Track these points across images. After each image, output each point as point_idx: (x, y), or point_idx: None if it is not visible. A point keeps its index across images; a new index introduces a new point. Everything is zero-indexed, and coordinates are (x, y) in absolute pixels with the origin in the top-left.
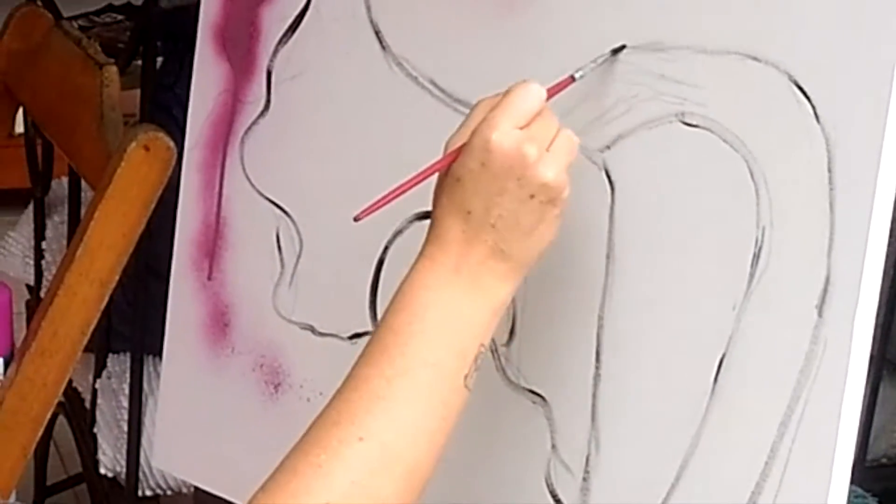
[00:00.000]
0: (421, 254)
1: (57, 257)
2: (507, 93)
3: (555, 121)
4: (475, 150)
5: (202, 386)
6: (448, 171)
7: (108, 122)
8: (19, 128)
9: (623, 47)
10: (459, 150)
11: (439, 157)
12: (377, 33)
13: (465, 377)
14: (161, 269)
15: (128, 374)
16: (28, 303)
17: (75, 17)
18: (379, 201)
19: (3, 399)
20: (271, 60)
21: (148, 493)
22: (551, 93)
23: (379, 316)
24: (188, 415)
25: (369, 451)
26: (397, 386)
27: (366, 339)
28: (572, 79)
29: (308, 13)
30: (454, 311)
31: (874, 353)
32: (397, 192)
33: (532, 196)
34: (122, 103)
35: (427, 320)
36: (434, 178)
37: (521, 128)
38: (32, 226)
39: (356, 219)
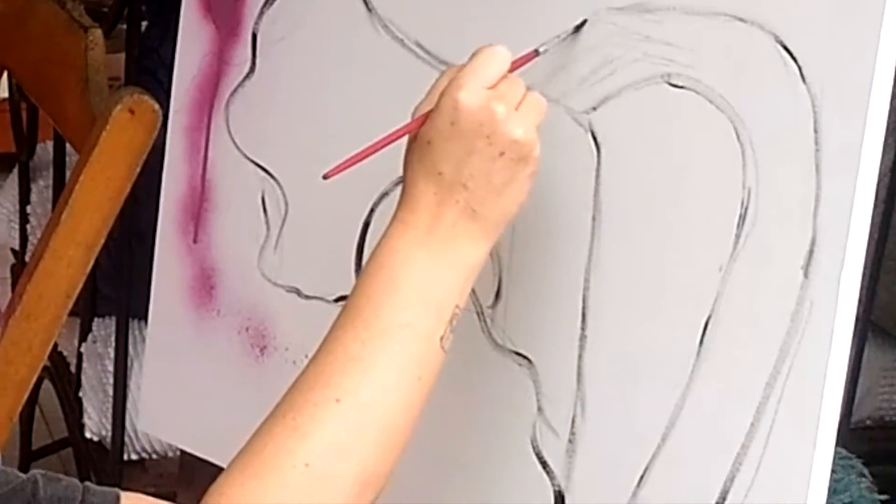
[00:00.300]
0: (393, 218)
1: (42, 221)
2: (473, 56)
3: (521, 83)
4: (444, 110)
5: (188, 349)
6: (417, 135)
7: (93, 85)
8: (3, 92)
9: (584, 22)
10: (428, 114)
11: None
12: None
13: (441, 338)
14: (146, 232)
15: (113, 338)
16: (13, 267)
17: None
18: (348, 160)
19: None
20: (257, 23)
21: (133, 456)
22: (515, 65)
23: None
24: (174, 378)
25: (346, 412)
26: (372, 347)
27: None
28: (536, 53)
29: None
30: (427, 273)
31: (859, 315)
32: (366, 152)
33: (502, 153)
34: (107, 67)
35: (400, 283)
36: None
37: (489, 89)
38: (17, 190)
39: (325, 176)
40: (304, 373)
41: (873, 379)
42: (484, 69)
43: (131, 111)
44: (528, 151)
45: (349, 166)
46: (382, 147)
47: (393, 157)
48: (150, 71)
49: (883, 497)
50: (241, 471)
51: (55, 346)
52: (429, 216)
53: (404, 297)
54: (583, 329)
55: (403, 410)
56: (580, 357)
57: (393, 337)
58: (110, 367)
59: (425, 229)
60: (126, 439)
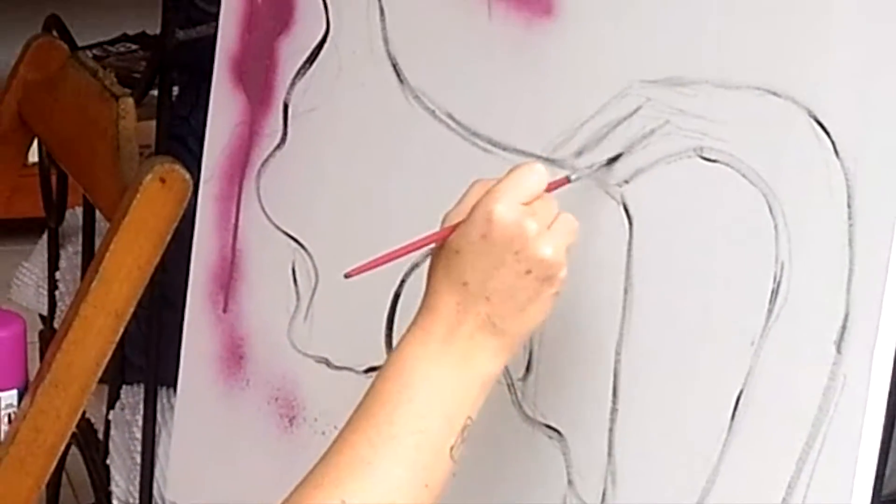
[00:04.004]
0: (413, 323)
1: (70, 288)
2: (511, 171)
3: (555, 204)
4: (477, 221)
5: (216, 418)
6: (446, 244)
7: (123, 153)
8: (33, 157)
9: (620, 155)
10: (458, 224)
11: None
12: (395, 66)
13: (452, 448)
14: (176, 300)
15: (141, 406)
16: (41, 333)
17: (89, 47)
18: (372, 263)
19: (17, 431)
20: (288, 93)
21: None
22: (549, 188)
23: None
24: (202, 447)
25: None
26: (383, 451)
27: None
28: (567, 179)
29: (325, 46)
30: (443, 383)
31: (892, 389)
32: (391, 256)
33: (529, 271)
34: (138, 134)
35: (415, 390)
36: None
37: (524, 205)
38: (46, 256)
39: (347, 275)
40: (312, 471)
41: None
42: (520, 184)
43: (162, 180)
44: (556, 272)
45: (373, 268)
46: (409, 252)
47: (424, 230)
48: (181, 139)
49: None
50: None
51: (83, 412)
52: (449, 325)
53: (418, 405)
54: (614, 402)
55: None
56: (611, 430)
57: (404, 443)
58: (138, 435)
59: (444, 339)
60: None
